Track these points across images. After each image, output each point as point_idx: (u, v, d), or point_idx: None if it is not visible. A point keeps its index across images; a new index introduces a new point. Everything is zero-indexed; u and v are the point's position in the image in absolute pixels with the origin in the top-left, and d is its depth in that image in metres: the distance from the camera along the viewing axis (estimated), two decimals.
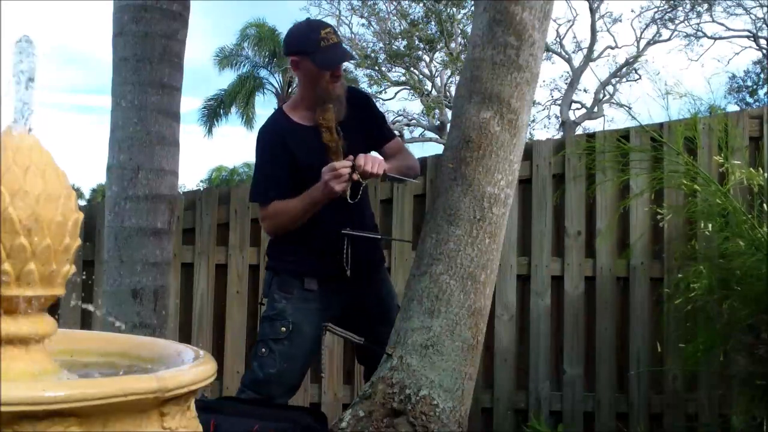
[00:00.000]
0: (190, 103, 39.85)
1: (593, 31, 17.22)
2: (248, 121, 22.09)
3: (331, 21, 17.89)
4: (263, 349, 2.51)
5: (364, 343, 2.55)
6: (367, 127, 2.63)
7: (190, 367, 1.33)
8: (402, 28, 17.07)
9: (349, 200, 2.43)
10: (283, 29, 20.21)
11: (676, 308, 3.39)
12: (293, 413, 2.31)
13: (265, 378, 2.50)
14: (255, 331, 3.82)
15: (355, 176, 2.39)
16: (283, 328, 2.50)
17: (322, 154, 2.49)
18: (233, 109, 21.91)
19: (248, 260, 3.85)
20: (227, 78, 21.96)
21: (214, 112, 22.27)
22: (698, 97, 3.43)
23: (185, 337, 3.79)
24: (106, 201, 3.43)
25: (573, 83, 17.89)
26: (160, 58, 3.38)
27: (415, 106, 26.74)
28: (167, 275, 3.44)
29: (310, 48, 2.46)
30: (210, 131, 22.33)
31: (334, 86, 2.50)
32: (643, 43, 17.56)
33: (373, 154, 2.52)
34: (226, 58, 21.21)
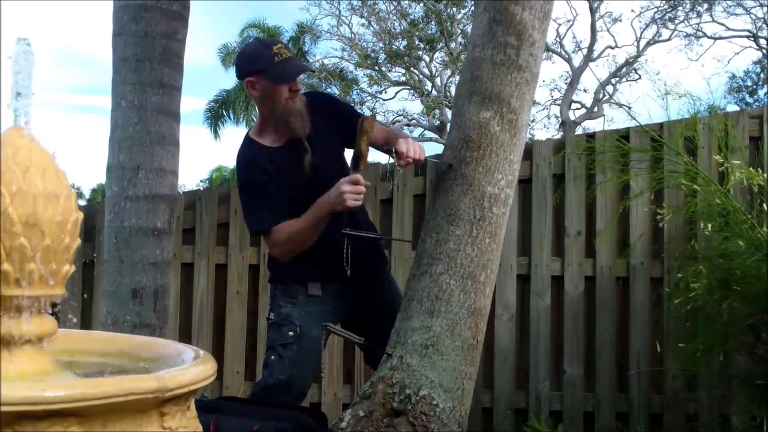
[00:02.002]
0: (191, 103, 39.89)
1: (593, 31, 17.20)
2: (249, 123, 22.10)
3: (331, 21, 17.90)
4: (272, 356, 2.49)
5: (363, 343, 2.55)
6: (340, 127, 2.58)
7: (190, 367, 1.33)
8: (402, 28, 17.05)
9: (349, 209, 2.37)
10: (284, 29, 20.29)
11: (676, 308, 3.38)
12: (293, 413, 2.31)
13: (275, 384, 2.47)
14: (255, 331, 3.83)
15: (402, 163, 2.36)
16: (291, 333, 2.48)
17: (296, 172, 2.46)
18: (236, 111, 21.91)
19: (248, 260, 3.85)
20: (233, 75, 21.91)
21: (217, 113, 22.28)
22: (698, 97, 3.43)
23: (185, 337, 3.79)
24: (106, 201, 3.44)
25: (573, 83, 17.87)
26: (160, 58, 3.38)
27: (415, 106, 26.71)
28: (167, 275, 3.44)
29: (264, 65, 2.41)
30: (216, 133, 22.34)
31: (294, 101, 2.45)
32: (643, 43, 17.54)
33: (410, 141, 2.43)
34: (229, 55, 21.20)
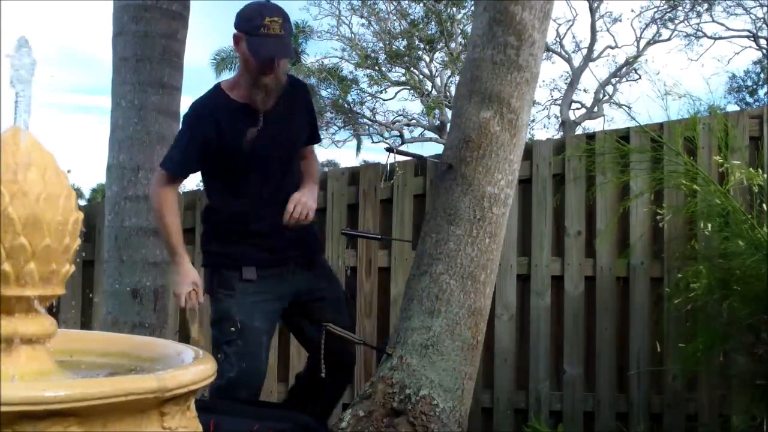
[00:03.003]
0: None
1: (593, 31, 17.21)
2: None
3: (331, 21, 17.89)
4: (219, 355, 2.44)
5: (363, 343, 2.55)
6: (300, 121, 2.61)
7: (190, 367, 1.33)
8: (402, 28, 17.06)
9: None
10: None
11: (676, 308, 3.38)
12: (293, 414, 2.31)
13: (227, 383, 2.41)
14: None
15: (291, 220, 2.43)
16: (232, 328, 2.44)
17: (246, 134, 2.45)
18: None
19: None
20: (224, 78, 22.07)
21: None
22: (697, 98, 3.43)
23: (185, 337, 3.78)
24: (106, 201, 3.43)
25: (573, 83, 17.88)
26: (160, 58, 3.38)
27: (415, 106, 26.67)
28: (167, 275, 3.44)
29: (249, 30, 2.41)
30: None
31: (266, 76, 2.43)
32: (643, 43, 17.56)
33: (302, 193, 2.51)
34: (223, 61, 21.28)
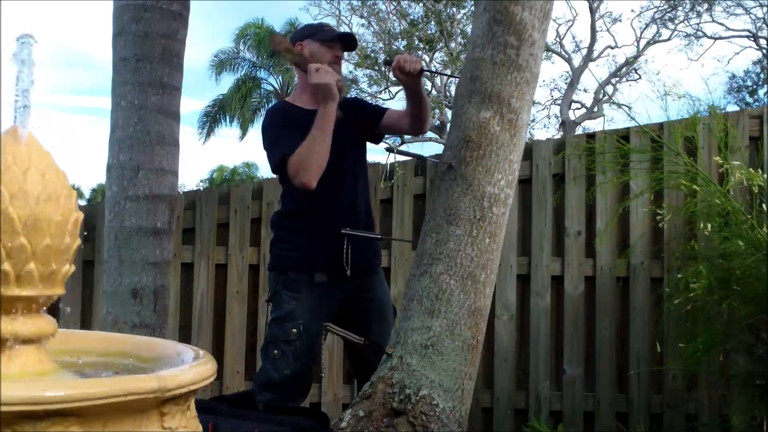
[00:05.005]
0: (190, 104, 39.86)
1: (593, 31, 17.22)
2: (243, 124, 22.30)
3: (331, 21, 17.87)
4: (275, 351, 2.53)
5: (364, 343, 2.55)
6: (358, 120, 2.70)
7: (190, 367, 1.33)
8: (402, 28, 17.05)
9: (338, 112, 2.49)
10: (280, 29, 20.33)
11: (676, 308, 3.38)
12: (293, 417, 2.31)
13: (281, 379, 2.52)
14: (255, 331, 3.83)
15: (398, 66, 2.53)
16: (294, 330, 2.52)
17: None
18: (233, 111, 22.00)
19: (248, 260, 3.85)
20: (226, 82, 22.27)
21: (213, 118, 22.42)
22: (697, 98, 3.43)
23: (185, 337, 3.79)
24: (106, 201, 3.43)
25: (573, 83, 17.88)
26: (160, 58, 3.38)
27: None
28: (167, 275, 3.44)
29: (312, 32, 2.69)
30: (208, 136, 22.52)
31: (334, 66, 2.60)
32: (643, 43, 17.57)
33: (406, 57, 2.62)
34: (222, 63, 21.34)
